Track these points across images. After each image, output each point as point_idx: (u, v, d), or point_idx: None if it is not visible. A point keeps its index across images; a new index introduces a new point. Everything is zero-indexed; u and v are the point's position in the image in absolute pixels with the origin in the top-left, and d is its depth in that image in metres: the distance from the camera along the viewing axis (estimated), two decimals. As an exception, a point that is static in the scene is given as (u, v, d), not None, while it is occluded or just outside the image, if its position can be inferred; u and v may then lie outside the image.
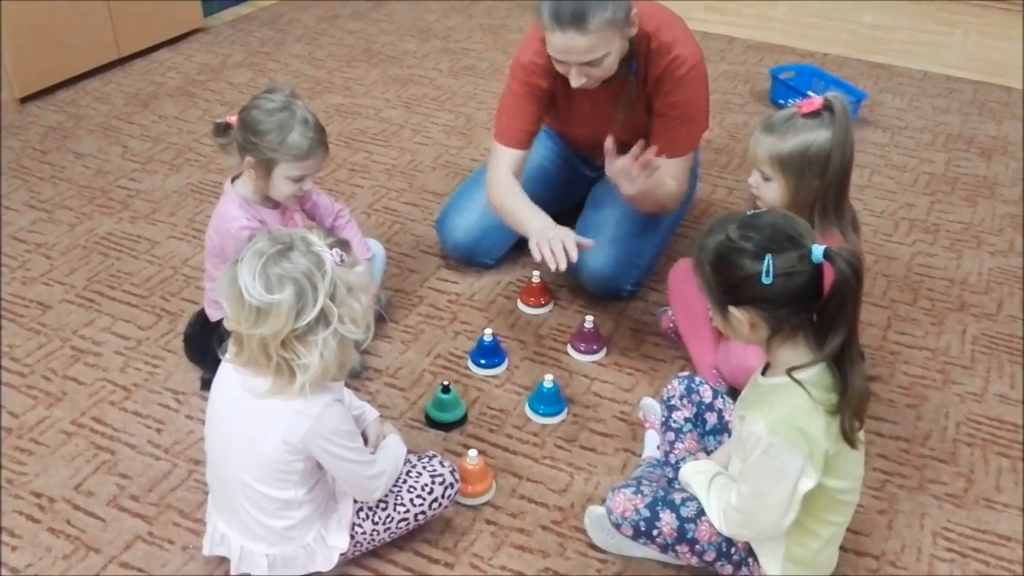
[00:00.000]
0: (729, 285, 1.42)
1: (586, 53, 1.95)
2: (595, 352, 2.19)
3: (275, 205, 2.06)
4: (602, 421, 2.03)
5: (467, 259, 2.46)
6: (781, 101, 3.40)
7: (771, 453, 1.42)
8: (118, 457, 1.92)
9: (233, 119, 1.99)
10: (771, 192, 1.84)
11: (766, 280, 1.37)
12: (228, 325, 1.43)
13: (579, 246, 2.02)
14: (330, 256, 1.42)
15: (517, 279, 2.44)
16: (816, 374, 1.44)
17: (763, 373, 1.54)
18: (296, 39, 3.92)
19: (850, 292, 1.37)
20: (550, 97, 2.24)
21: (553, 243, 2.00)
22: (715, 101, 3.42)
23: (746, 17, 4.30)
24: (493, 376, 2.14)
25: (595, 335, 2.19)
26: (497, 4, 4.38)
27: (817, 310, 1.42)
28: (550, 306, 2.35)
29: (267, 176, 1.96)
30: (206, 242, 2.10)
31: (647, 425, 1.95)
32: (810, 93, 3.29)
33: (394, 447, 1.70)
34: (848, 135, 1.79)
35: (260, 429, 1.48)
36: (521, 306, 2.35)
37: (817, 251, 1.37)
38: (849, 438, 1.44)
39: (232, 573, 1.63)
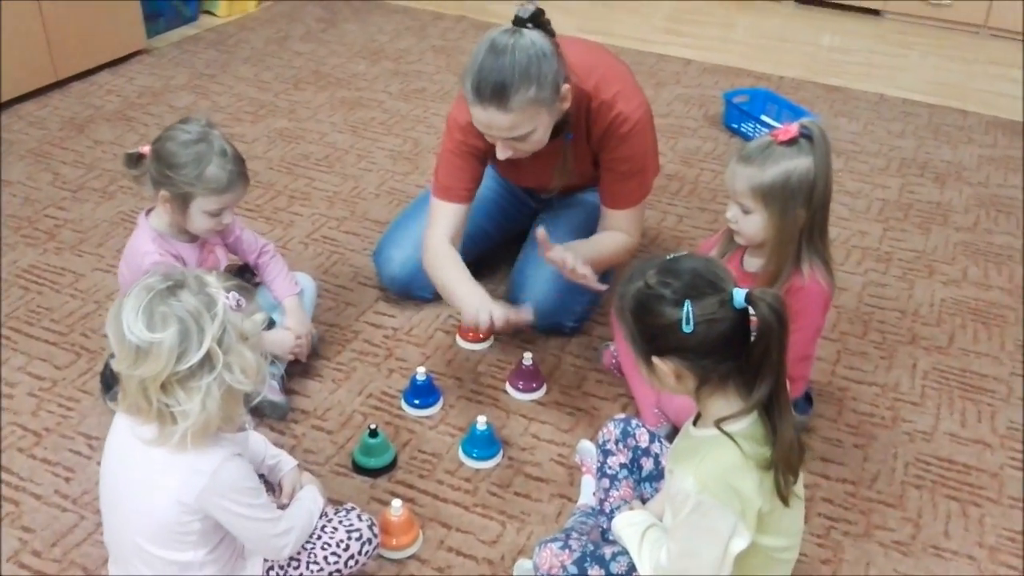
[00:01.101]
0: (651, 334, 1.34)
1: (509, 130, 1.86)
2: (534, 390, 2.11)
3: (192, 239, 1.96)
4: (538, 465, 1.94)
5: (404, 293, 2.37)
6: (734, 125, 3.34)
7: (700, 511, 1.33)
8: (22, 509, 1.80)
9: (146, 149, 1.89)
10: (752, 226, 1.76)
11: (687, 328, 1.29)
12: (114, 365, 1.33)
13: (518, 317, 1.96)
14: (224, 299, 1.32)
15: (456, 313, 2.35)
16: (748, 426, 1.36)
17: (695, 423, 1.46)
18: (243, 61, 3.83)
19: (774, 338, 1.29)
20: (485, 155, 2.13)
21: (494, 321, 1.92)
22: (668, 125, 3.39)
23: (703, 40, 4.25)
24: (427, 417, 2.04)
25: (534, 372, 2.10)
26: (451, 26, 4.31)
27: (743, 358, 1.34)
28: (490, 341, 2.27)
29: (183, 210, 1.87)
30: (119, 277, 2.00)
31: (584, 469, 1.87)
32: (763, 117, 3.27)
33: (307, 500, 1.60)
34: (829, 160, 1.72)
35: (151, 488, 1.37)
36: (460, 341, 2.26)
37: (738, 295, 1.29)
38: (782, 495, 1.36)
39: (133, 636, 1.52)
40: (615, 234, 2.17)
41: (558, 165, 2.12)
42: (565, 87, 1.89)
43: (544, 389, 2.12)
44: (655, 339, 1.33)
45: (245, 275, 2.15)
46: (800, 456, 1.38)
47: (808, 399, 2.04)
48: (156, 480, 1.37)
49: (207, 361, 1.30)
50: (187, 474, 1.36)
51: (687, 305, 1.28)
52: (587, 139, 2.09)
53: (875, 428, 2.04)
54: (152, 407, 1.32)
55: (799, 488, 1.43)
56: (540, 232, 1.92)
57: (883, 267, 2.61)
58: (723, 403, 1.37)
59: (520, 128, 1.86)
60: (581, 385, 2.15)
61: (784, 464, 1.34)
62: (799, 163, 1.68)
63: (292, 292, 2.09)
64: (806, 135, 1.70)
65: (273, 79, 3.68)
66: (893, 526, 1.81)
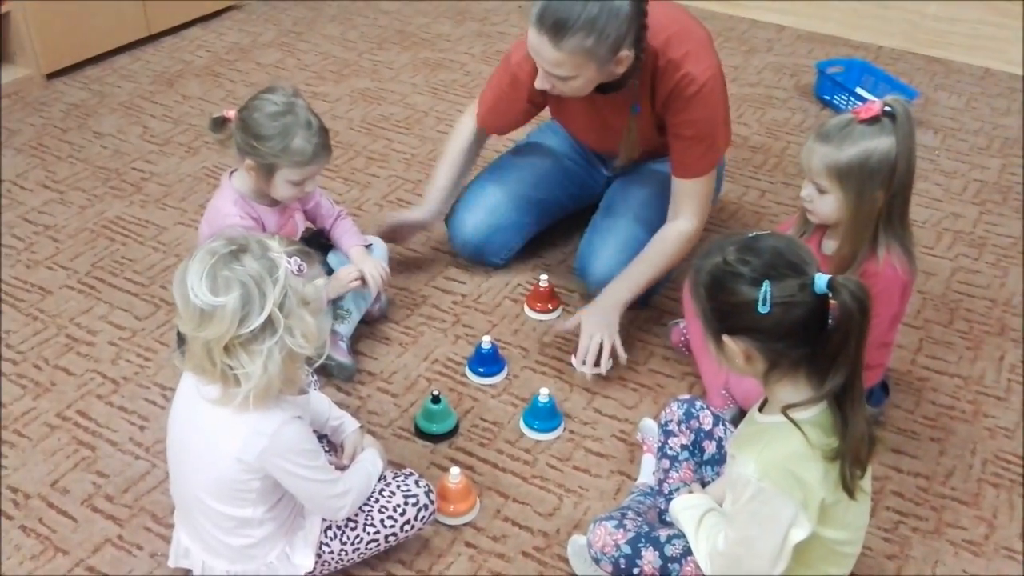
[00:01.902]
0: (724, 312, 1.30)
1: (552, 66, 1.84)
2: (599, 364, 2.08)
3: (273, 203, 1.99)
4: (599, 440, 1.92)
5: (475, 258, 2.36)
6: (827, 97, 3.21)
7: (760, 498, 1.30)
8: (98, 454, 1.88)
9: (231, 114, 1.92)
10: (827, 206, 1.70)
11: (762, 309, 1.25)
12: (180, 326, 1.36)
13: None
14: (286, 264, 1.33)
15: (527, 281, 2.34)
16: (816, 415, 1.31)
17: (760, 409, 1.42)
18: (329, 19, 3.84)
19: (854, 327, 1.24)
20: (532, 95, 2.14)
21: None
22: (757, 94, 3.28)
23: (799, 5, 4.07)
24: (490, 385, 2.04)
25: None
26: (539, -14, 4.24)
27: (818, 345, 1.29)
28: (558, 312, 2.25)
29: (268, 179, 1.90)
30: (199, 234, 2.04)
31: (645, 448, 1.84)
32: (858, 89, 3.13)
33: (367, 463, 1.62)
34: (912, 141, 1.64)
35: (214, 445, 1.41)
36: (527, 311, 2.25)
37: (820, 280, 1.25)
38: (848, 487, 1.31)
39: (195, 586, 1.57)
40: (671, 232, 2.08)
41: (623, 140, 2.08)
42: (624, 53, 1.84)
43: (610, 364, 2.08)
44: (728, 317, 1.30)
45: (320, 240, 2.17)
46: (870, 449, 1.33)
47: (885, 388, 1.96)
48: (219, 438, 1.40)
49: (268, 325, 1.32)
50: (248, 434, 1.38)
51: (765, 285, 1.24)
52: (651, 101, 2.04)
53: (954, 422, 1.96)
54: (216, 368, 1.34)
55: (866, 482, 1.38)
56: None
57: (975, 252, 2.49)
58: (792, 389, 1.33)
59: (563, 69, 1.84)
60: (648, 361, 2.12)
61: (853, 456, 1.30)
62: (880, 143, 1.60)
63: (358, 244, 2.11)
64: (889, 114, 1.62)
65: (358, 38, 3.69)
66: (966, 524, 1.74)
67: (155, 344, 2.15)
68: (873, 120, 1.62)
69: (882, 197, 1.64)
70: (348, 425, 1.72)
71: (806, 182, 1.71)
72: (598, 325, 1.98)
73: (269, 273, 1.31)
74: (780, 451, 1.31)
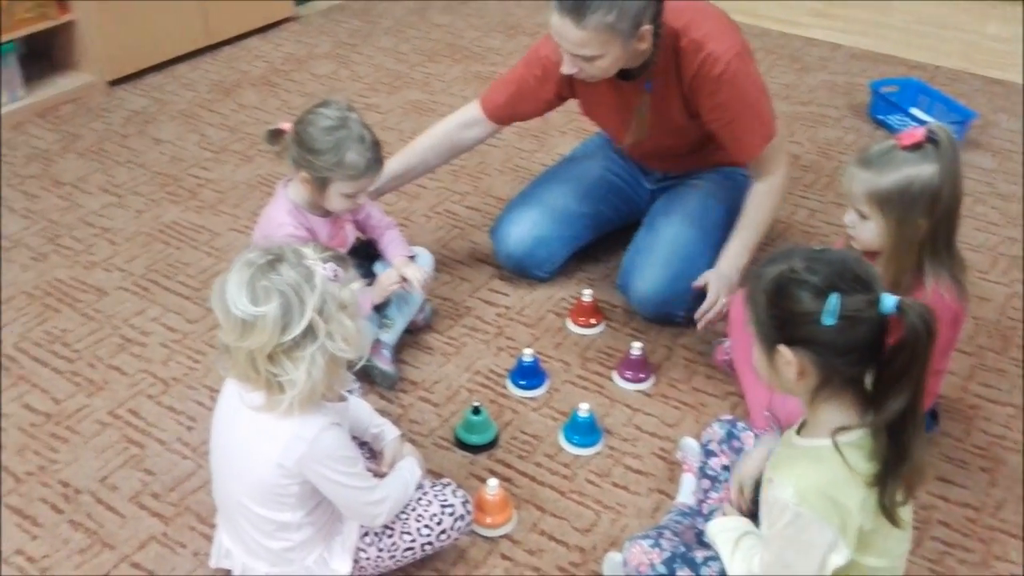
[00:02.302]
0: (784, 320, 1.27)
1: (577, 46, 1.87)
2: (642, 381, 2.08)
3: (326, 213, 2.02)
4: (639, 457, 1.91)
5: (519, 270, 2.37)
6: (880, 117, 3.17)
7: (798, 524, 1.28)
8: (146, 452, 1.92)
9: (286, 126, 1.95)
10: (868, 232, 1.68)
11: (828, 321, 1.22)
12: (222, 337, 1.39)
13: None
14: (322, 270, 1.36)
15: (570, 295, 2.34)
16: (858, 438, 1.29)
17: (799, 431, 1.40)
18: (384, 31, 3.90)
19: (920, 349, 1.22)
20: (561, 88, 2.19)
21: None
22: (809, 112, 3.25)
23: (856, 23, 4.04)
24: (531, 398, 2.05)
25: (642, 363, 2.07)
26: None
27: (878, 368, 1.27)
28: (600, 327, 2.24)
29: (322, 191, 1.94)
30: (252, 242, 2.08)
31: (685, 468, 1.83)
32: (913, 110, 3.09)
33: (405, 472, 1.63)
34: (957, 168, 1.62)
35: (254, 450, 1.43)
36: (570, 325, 2.25)
37: (889, 300, 1.23)
38: (891, 516, 1.29)
39: (235, 587, 1.60)
40: (760, 188, 2.12)
41: (635, 116, 2.09)
42: (646, 27, 1.87)
43: (652, 380, 2.09)
44: (787, 326, 1.27)
45: (369, 250, 2.20)
46: (921, 478, 1.31)
47: (934, 415, 1.93)
48: (259, 443, 1.43)
49: (310, 331, 1.34)
50: (288, 439, 1.41)
51: (834, 297, 1.22)
52: (678, 82, 2.04)
53: (1006, 452, 1.92)
54: (260, 376, 1.37)
55: (906, 510, 1.35)
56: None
57: (1032, 278, 2.44)
58: (836, 411, 1.31)
59: (587, 49, 1.86)
60: (691, 380, 2.11)
61: (906, 483, 1.28)
62: (922, 170, 1.58)
63: (404, 254, 2.14)
64: (933, 140, 1.59)
65: (411, 51, 3.73)
66: (1015, 559, 1.70)
67: (205, 347, 2.19)
68: (916, 146, 1.61)
69: (925, 225, 1.61)
70: (388, 433, 1.74)
71: (848, 208, 1.70)
72: (724, 289, 2.04)
73: (306, 280, 1.34)
74: (819, 476, 1.29)
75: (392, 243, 2.15)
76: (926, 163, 1.61)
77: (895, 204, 1.63)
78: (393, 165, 2.29)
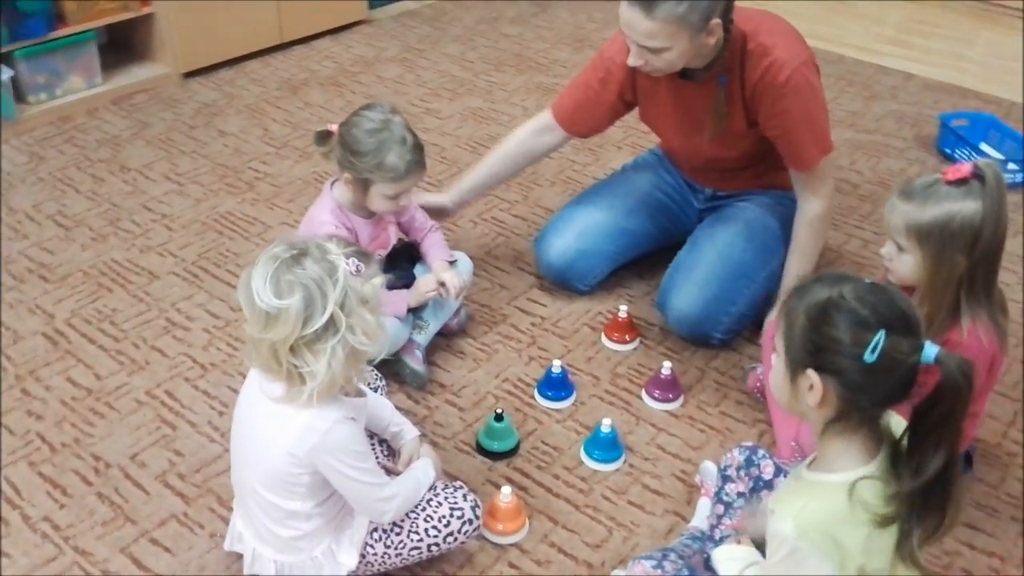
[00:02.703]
0: (820, 345, 1.23)
1: (645, 37, 1.86)
2: (670, 401, 2.06)
3: (369, 215, 2.06)
4: (658, 477, 1.89)
5: (559, 282, 2.38)
6: (947, 150, 3.09)
7: (796, 557, 1.26)
8: (178, 433, 1.98)
9: (334, 128, 2.00)
10: (905, 266, 1.65)
11: (869, 357, 1.19)
12: (246, 329, 1.42)
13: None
14: (344, 265, 1.38)
15: (608, 310, 2.33)
16: (871, 471, 1.27)
17: (809, 465, 1.37)
18: (452, 38, 3.95)
19: (959, 403, 1.19)
20: (623, 89, 2.19)
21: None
22: (873, 142, 3.18)
23: (933, 54, 3.95)
24: (557, 410, 2.05)
25: (672, 383, 2.05)
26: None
27: (913, 422, 1.24)
28: (635, 343, 2.23)
29: (364, 192, 1.98)
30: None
31: (702, 492, 1.81)
32: (982, 146, 3.00)
33: (420, 471, 1.65)
34: (1002, 208, 1.58)
35: (269, 437, 1.47)
36: (604, 340, 2.24)
37: (930, 350, 1.19)
38: (915, 560, 1.25)
39: (244, 572, 1.63)
40: (810, 214, 2.11)
41: (711, 114, 2.07)
42: (715, 22, 1.86)
43: (680, 401, 2.07)
44: (822, 352, 1.23)
45: (411, 252, 2.23)
46: (954, 525, 1.28)
47: (968, 459, 1.86)
48: (274, 432, 1.46)
49: (331, 324, 1.37)
50: (302, 430, 1.44)
51: (880, 334, 1.19)
52: (741, 86, 2.02)
53: (1041, 503, 1.85)
54: (282, 367, 1.40)
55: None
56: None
57: (1090, 326, 2.34)
58: (843, 449, 1.28)
59: (656, 40, 1.86)
60: (720, 404, 2.08)
61: (937, 529, 1.25)
62: (965, 206, 1.54)
63: (444, 258, 2.16)
64: (979, 177, 1.55)
65: (477, 59, 3.77)
66: (1038, 614, 1.63)
67: (245, 336, 2.24)
68: (961, 182, 1.56)
69: (963, 263, 1.57)
70: (407, 432, 1.76)
71: (888, 240, 1.66)
72: None
73: (329, 275, 1.37)
74: (821, 511, 1.26)
75: (433, 246, 2.18)
76: (969, 200, 1.57)
77: (934, 239, 1.59)
78: (472, 177, 2.35)
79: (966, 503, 1.82)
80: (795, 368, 1.27)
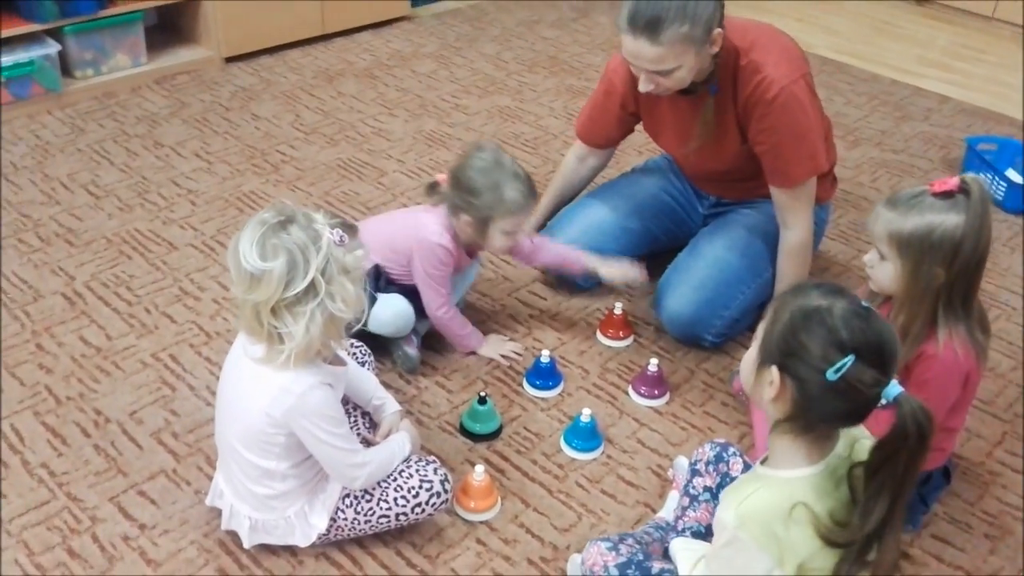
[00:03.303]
0: (791, 349, 1.26)
1: (655, 63, 1.89)
2: (655, 398, 2.09)
3: (472, 253, 2.13)
4: (634, 470, 1.92)
5: (561, 277, 2.41)
6: (972, 174, 3.05)
7: (735, 546, 1.29)
8: (176, 395, 2.06)
9: (442, 178, 2.05)
10: (884, 274, 1.66)
11: (831, 376, 1.21)
12: (232, 290, 1.49)
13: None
14: (329, 235, 1.44)
15: (606, 307, 2.36)
16: (814, 473, 1.29)
17: (763, 461, 1.39)
18: (490, 38, 4.01)
19: (905, 452, 1.21)
20: (625, 101, 2.25)
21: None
22: (897, 162, 3.17)
23: (974, 79, 3.90)
24: (543, 398, 2.09)
25: (658, 379, 2.08)
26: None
27: (866, 467, 1.26)
28: (628, 341, 2.26)
29: (483, 232, 2.01)
30: (377, 229, 2.07)
31: (674, 485, 1.83)
32: (1009, 172, 2.97)
33: (395, 444, 1.70)
34: (984, 223, 1.58)
35: (249, 397, 1.54)
36: (599, 336, 2.28)
37: (892, 389, 1.21)
38: None
39: (223, 526, 1.70)
40: (784, 249, 2.15)
41: (700, 120, 2.10)
42: (717, 31, 1.90)
43: (666, 398, 2.09)
44: (791, 355, 1.26)
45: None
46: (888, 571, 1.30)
47: (947, 474, 1.86)
48: (253, 392, 1.53)
49: (311, 289, 1.44)
50: (278, 391, 1.50)
51: (849, 359, 1.21)
52: (733, 102, 2.05)
53: (1015, 523, 1.83)
54: (263, 328, 1.47)
55: None
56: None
57: (1094, 355, 2.31)
58: (790, 446, 1.31)
59: (665, 63, 1.89)
60: (705, 404, 2.10)
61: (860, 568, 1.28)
62: (947, 219, 1.55)
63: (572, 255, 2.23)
64: (965, 191, 1.56)
65: (512, 59, 3.83)
66: (998, 630, 1.63)
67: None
68: (946, 194, 1.58)
69: (942, 276, 1.58)
70: (389, 406, 1.82)
71: (873, 248, 1.68)
72: None
73: (313, 242, 1.43)
74: (762, 504, 1.29)
75: (558, 248, 2.23)
76: (952, 213, 1.57)
77: (914, 248, 1.60)
78: (541, 208, 2.45)
79: (940, 517, 1.83)
80: (764, 360, 1.30)
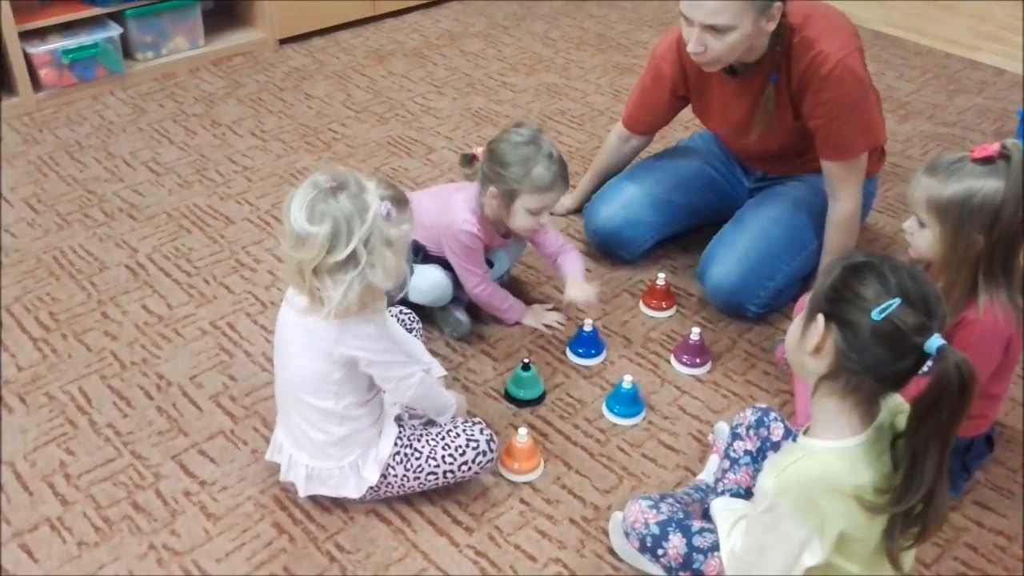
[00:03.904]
0: (840, 295, 1.28)
1: (711, 15, 1.89)
2: (697, 366, 2.11)
3: (502, 235, 2.15)
4: (675, 435, 1.96)
5: (605, 249, 2.45)
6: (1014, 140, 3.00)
7: (775, 513, 1.30)
8: (234, 361, 2.15)
9: (479, 151, 2.10)
10: (924, 240, 1.67)
11: (876, 315, 1.23)
12: (282, 245, 1.56)
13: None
14: (377, 206, 1.50)
15: (650, 279, 2.40)
16: (856, 445, 1.30)
17: (806, 431, 1.41)
18: (538, 17, 4.04)
19: (947, 402, 1.21)
20: (675, 86, 2.27)
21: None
22: (950, 135, 3.14)
23: (1033, 51, 3.82)
24: (586, 366, 2.13)
25: (700, 348, 2.11)
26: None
27: (909, 420, 1.27)
28: (671, 311, 2.29)
29: (508, 206, 2.04)
30: (418, 204, 2.10)
31: (714, 449, 1.86)
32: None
33: (442, 389, 1.76)
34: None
35: (303, 338, 1.61)
36: (642, 306, 2.31)
37: (934, 339, 1.22)
38: (892, 557, 1.30)
39: (280, 478, 1.78)
40: (832, 221, 2.17)
41: (760, 108, 2.11)
42: (777, 5, 1.90)
43: (708, 367, 2.12)
44: (839, 302, 1.27)
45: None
46: (937, 530, 1.31)
47: (990, 442, 1.86)
48: (307, 332, 1.60)
49: (352, 258, 1.49)
50: (327, 327, 1.57)
51: (896, 301, 1.22)
52: (787, 80, 2.06)
53: (1059, 490, 1.83)
54: (306, 284, 1.53)
55: (909, 556, 1.35)
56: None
57: None
58: (835, 410, 1.31)
59: (721, 16, 1.88)
60: (747, 373, 2.12)
61: (920, 533, 1.29)
62: (987, 184, 1.55)
63: (579, 271, 2.18)
64: (1005, 156, 1.55)
65: (560, 37, 3.85)
66: (1037, 594, 1.64)
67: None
68: (987, 160, 1.58)
69: (982, 241, 1.58)
70: (435, 371, 1.88)
71: (912, 215, 1.68)
72: None
73: (360, 213, 1.49)
74: (805, 473, 1.30)
75: (569, 261, 2.20)
76: (992, 179, 1.57)
77: (953, 214, 1.60)
78: (586, 181, 2.60)
79: (981, 483, 1.83)
80: (812, 312, 1.31)
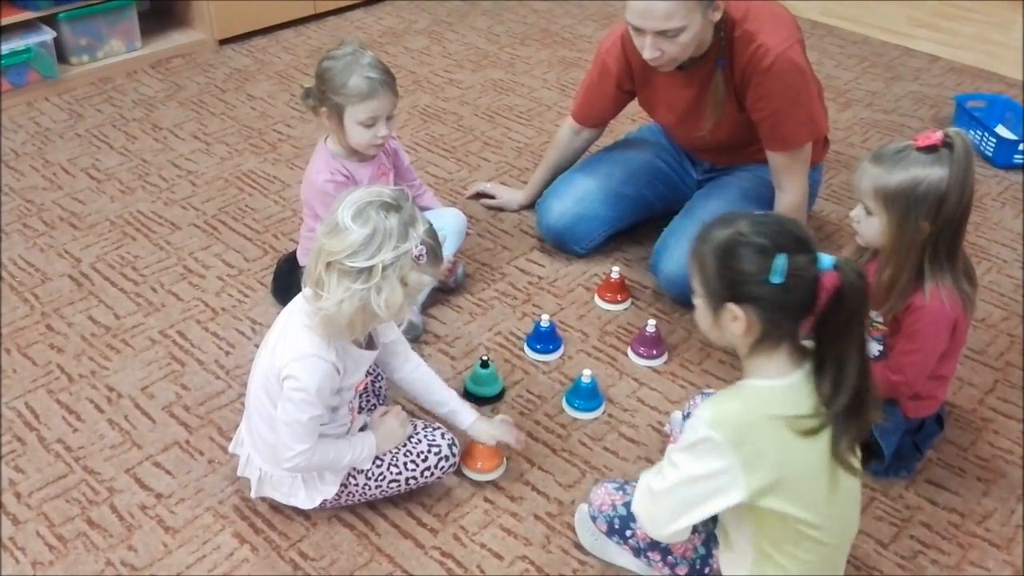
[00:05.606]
0: (733, 280, 1.32)
1: (663, 20, 1.91)
2: (654, 358, 2.13)
3: (362, 159, 2.13)
4: (635, 427, 1.97)
5: (558, 244, 2.46)
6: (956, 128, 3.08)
7: (702, 447, 1.32)
8: (186, 370, 2.10)
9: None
10: (871, 228, 1.71)
11: (776, 279, 1.28)
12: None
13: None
14: (415, 244, 1.48)
15: (603, 272, 2.41)
16: (787, 384, 1.34)
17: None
18: (481, 12, 4.03)
19: (858, 300, 1.29)
20: (620, 81, 2.30)
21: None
22: (888, 121, 3.20)
23: (962, 38, 3.92)
24: (544, 362, 2.13)
25: (656, 340, 2.13)
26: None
27: (819, 332, 1.34)
28: (626, 304, 2.31)
29: (340, 123, 2.03)
30: (301, 193, 2.23)
31: (671, 440, 1.88)
32: (999, 128, 3.00)
33: (363, 444, 1.68)
34: (967, 176, 1.63)
35: (272, 342, 1.61)
36: (597, 300, 2.32)
37: (827, 259, 1.30)
38: (841, 456, 1.34)
39: (238, 472, 1.75)
40: (779, 211, 2.17)
41: (710, 96, 2.13)
42: None
43: (664, 358, 2.14)
44: (736, 285, 1.32)
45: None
46: (872, 421, 1.37)
47: (940, 422, 1.91)
48: (277, 337, 1.60)
49: (367, 273, 1.47)
50: (291, 342, 1.57)
51: (781, 257, 1.28)
52: (730, 72, 2.09)
53: (1008, 466, 1.89)
54: (316, 272, 1.51)
55: (851, 481, 1.37)
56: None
57: (1084, 304, 2.35)
58: (767, 362, 1.36)
59: (674, 19, 1.91)
60: (702, 362, 2.15)
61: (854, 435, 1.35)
62: (932, 172, 1.59)
63: (435, 207, 2.27)
64: (949, 145, 1.60)
65: (504, 32, 3.85)
66: (991, 567, 1.68)
67: (256, 284, 2.37)
68: (930, 148, 1.61)
69: (927, 228, 1.62)
70: (463, 417, 1.79)
71: (859, 203, 1.72)
72: None
73: (398, 239, 1.47)
74: (739, 408, 1.35)
75: (425, 200, 2.27)
76: (937, 167, 1.61)
77: (899, 202, 1.64)
78: (538, 175, 2.60)
79: (934, 463, 1.88)
80: (715, 304, 1.36)
